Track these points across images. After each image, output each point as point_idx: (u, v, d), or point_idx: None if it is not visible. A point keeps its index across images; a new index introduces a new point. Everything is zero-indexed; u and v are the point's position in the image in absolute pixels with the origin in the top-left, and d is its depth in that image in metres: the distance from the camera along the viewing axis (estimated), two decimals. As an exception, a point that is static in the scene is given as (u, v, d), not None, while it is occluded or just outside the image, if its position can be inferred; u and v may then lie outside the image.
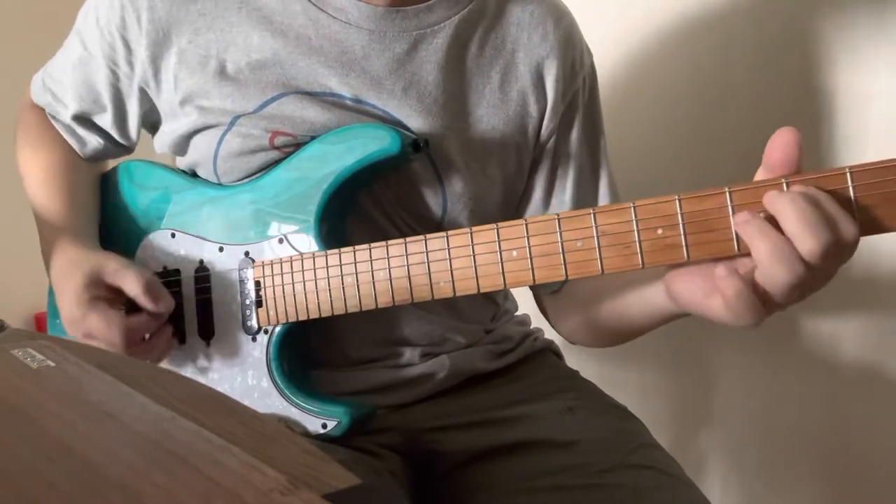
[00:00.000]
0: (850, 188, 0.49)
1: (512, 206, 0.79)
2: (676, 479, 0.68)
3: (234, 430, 0.35)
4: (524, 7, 0.75)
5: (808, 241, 0.47)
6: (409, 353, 0.75)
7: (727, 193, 0.51)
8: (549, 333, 0.90)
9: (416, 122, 0.71)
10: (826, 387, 0.94)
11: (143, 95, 0.75)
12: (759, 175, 0.52)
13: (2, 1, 1.91)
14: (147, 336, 0.70)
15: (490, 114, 0.73)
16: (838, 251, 0.48)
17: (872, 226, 0.49)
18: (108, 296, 0.69)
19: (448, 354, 0.76)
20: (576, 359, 0.89)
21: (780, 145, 0.50)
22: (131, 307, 0.70)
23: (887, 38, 0.84)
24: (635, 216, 0.54)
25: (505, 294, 0.87)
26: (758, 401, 1.03)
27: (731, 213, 0.51)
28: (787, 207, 0.47)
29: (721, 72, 1.02)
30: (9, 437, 0.35)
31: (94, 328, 0.67)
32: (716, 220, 0.52)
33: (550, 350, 0.87)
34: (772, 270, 0.48)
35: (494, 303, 0.83)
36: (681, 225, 0.52)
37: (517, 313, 0.89)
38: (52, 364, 0.46)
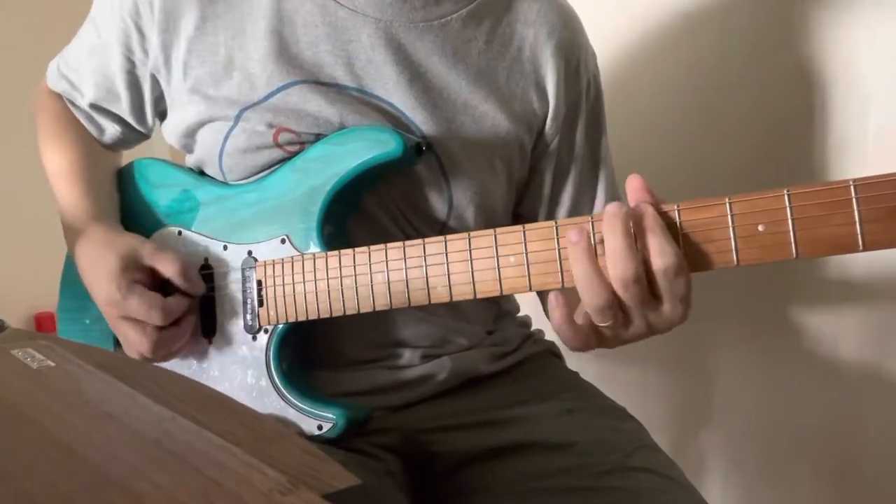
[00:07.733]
0: (854, 200, 0.49)
1: (514, 198, 0.79)
2: (676, 482, 0.67)
3: (234, 430, 0.35)
4: (531, 4, 0.75)
5: (614, 269, 0.51)
6: (409, 355, 0.74)
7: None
8: (550, 335, 0.90)
9: (421, 114, 0.70)
10: (826, 386, 0.94)
11: (154, 82, 0.76)
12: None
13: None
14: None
15: (495, 109, 0.73)
16: (650, 282, 0.51)
17: (876, 241, 0.49)
18: (145, 278, 0.71)
19: (449, 356, 0.75)
20: (576, 359, 0.89)
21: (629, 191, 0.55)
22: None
23: (887, 36, 0.84)
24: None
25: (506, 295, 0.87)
26: (758, 400, 1.03)
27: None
28: (606, 233, 0.52)
29: (719, 70, 1.02)
30: (9, 437, 0.35)
31: (135, 310, 0.68)
32: (715, 230, 0.52)
33: (550, 352, 0.87)
34: (582, 294, 0.53)
35: (496, 304, 0.83)
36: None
37: (518, 315, 0.89)
38: (52, 364, 0.46)
